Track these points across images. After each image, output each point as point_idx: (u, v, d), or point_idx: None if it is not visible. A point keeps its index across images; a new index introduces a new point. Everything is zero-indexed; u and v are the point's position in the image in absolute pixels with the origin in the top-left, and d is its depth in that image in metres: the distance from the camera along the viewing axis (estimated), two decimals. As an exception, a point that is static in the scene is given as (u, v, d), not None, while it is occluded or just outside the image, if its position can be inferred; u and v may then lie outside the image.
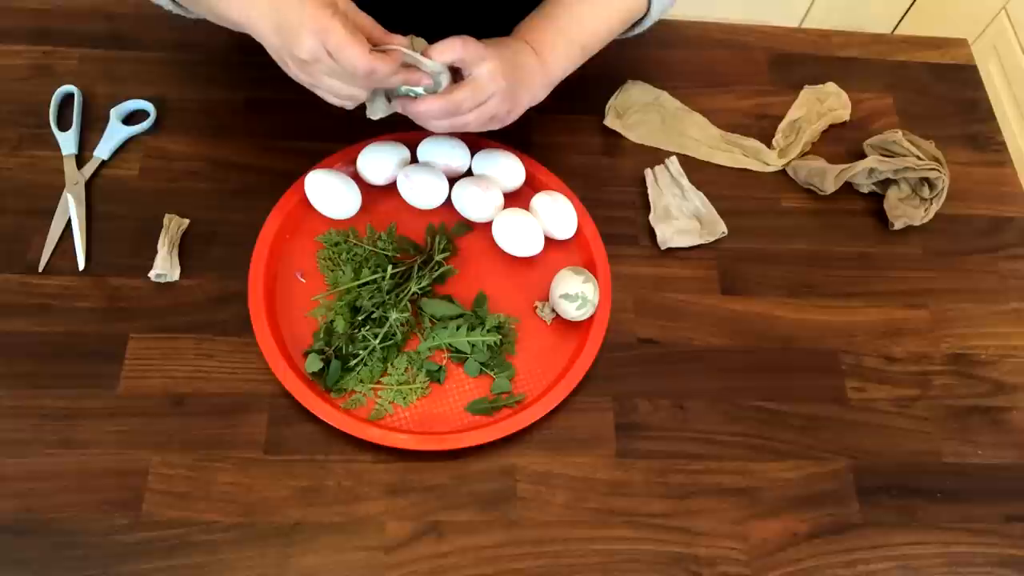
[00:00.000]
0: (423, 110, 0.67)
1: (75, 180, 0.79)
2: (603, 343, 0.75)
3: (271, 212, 0.78)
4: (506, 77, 0.68)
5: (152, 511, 0.66)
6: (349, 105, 0.67)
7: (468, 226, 0.81)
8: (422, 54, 0.65)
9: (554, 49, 0.73)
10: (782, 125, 0.91)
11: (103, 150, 0.81)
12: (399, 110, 0.70)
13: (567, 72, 0.75)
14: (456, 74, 0.68)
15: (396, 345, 0.73)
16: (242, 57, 0.89)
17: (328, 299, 0.76)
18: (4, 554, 0.64)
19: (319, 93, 0.67)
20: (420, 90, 0.67)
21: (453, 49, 0.65)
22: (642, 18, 0.79)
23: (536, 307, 0.78)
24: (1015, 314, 0.83)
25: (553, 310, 0.77)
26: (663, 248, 0.82)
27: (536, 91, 0.73)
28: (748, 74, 0.96)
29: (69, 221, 0.77)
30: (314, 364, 0.70)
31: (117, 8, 0.91)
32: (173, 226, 0.77)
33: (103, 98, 0.85)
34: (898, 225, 0.85)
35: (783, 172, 0.89)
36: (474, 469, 0.70)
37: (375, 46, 0.62)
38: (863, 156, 0.89)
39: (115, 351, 0.72)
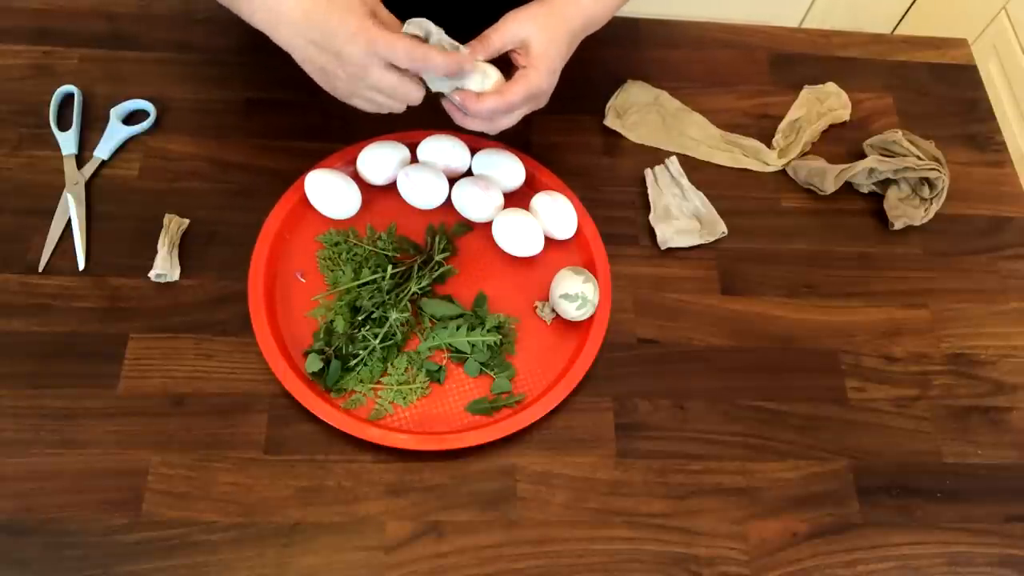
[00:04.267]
0: (465, 124, 0.70)
1: (75, 180, 0.79)
2: (603, 343, 0.75)
3: (271, 212, 0.78)
4: (551, 86, 0.69)
5: (152, 511, 0.66)
6: (398, 108, 0.68)
7: (468, 226, 0.81)
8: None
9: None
10: (782, 125, 0.91)
11: (103, 150, 0.81)
12: (444, 107, 0.71)
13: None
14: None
15: (396, 345, 0.73)
16: (242, 57, 0.89)
17: (328, 299, 0.76)
18: (4, 554, 0.64)
19: (355, 103, 0.67)
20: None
21: (498, 108, 0.67)
22: None
23: (536, 307, 0.78)
24: (1015, 314, 0.83)
25: (553, 310, 0.77)
26: (663, 248, 0.82)
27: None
28: (748, 74, 0.96)
29: (69, 221, 0.77)
30: (314, 364, 0.70)
31: (117, 8, 0.91)
32: (173, 226, 0.77)
33: (103, 98, 0.85)
34: (898, 225, 0.85)
35: (783, 172, 0.89)
36: (474, 469, 0.70)
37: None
38: (863, 156, 0.89)
39: (115, 351, 0.72)
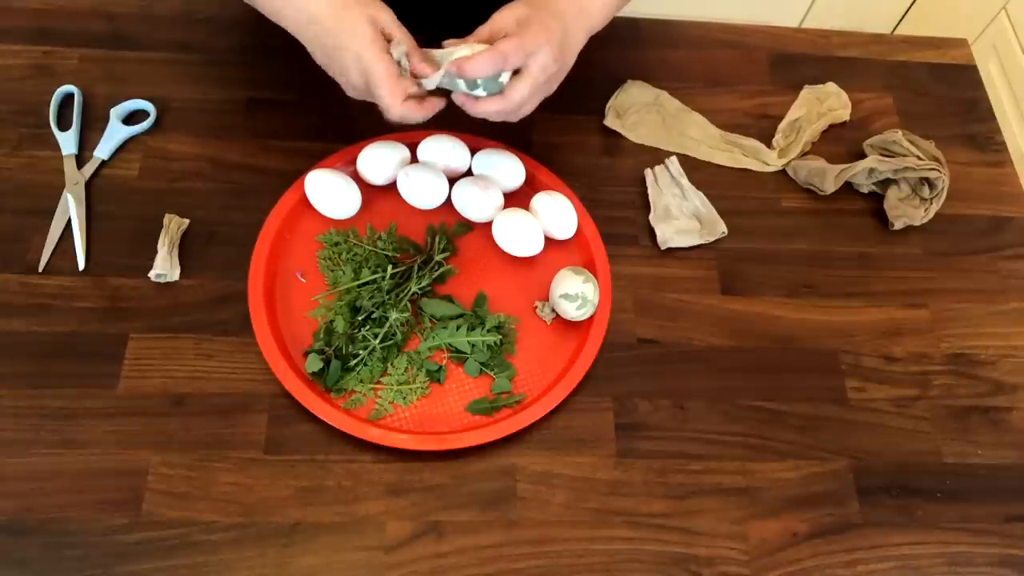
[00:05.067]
0: (481, 111, 0.69)
1: (75, 180, 0.79)
2: (603, 343, 0.75)
3: (271, 212, 0.78)
4: (556, 60, 0.68)
5: (152, 511, 0.66)
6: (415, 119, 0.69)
7: (468, 226, 0.81)
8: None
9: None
10: (782, 125, 0.91)
11: (103, 150, 0.81)
12: (456, 102, 0.70)
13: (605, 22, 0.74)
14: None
15: (396, 345, 0.73)
16: (242, 57, 0.89)
17: (328, 299, 0.76)
18: (4, 554, 0.64)
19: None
20: (481, 91, 0.68)
21: (494, 63, 0.65)
22: None
23: (536, 307, 0.78)
24: (1015, 314, 0.83)
25: (553, 310, 0.77)
26: (663, 248, 0.82)
27: (578, 47, 0.71)
28: (748, 74, 0.96)
29: (69, 221, 0.77)
30: (314, 364, 0.70)
31: (117, 8, 0.91)
32: (173, 226, 0.77)
33: (103, 98, 0.85)
34: (898, 225, 0.85)
35: (783, 172, 0.89)
36: (474, 469, 0.70)
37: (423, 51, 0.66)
38: (863, 156, 0.89)
39: (115, 351, 0.72)
